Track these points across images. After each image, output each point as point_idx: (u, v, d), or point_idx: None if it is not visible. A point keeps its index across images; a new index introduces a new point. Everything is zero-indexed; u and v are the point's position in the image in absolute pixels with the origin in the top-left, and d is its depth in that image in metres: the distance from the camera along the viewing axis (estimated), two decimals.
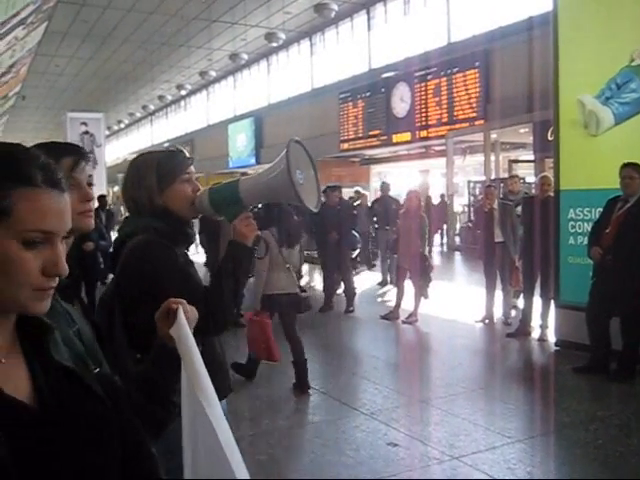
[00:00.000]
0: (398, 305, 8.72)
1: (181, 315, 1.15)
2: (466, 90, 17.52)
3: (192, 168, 2.26)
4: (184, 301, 1.25)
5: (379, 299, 10.57)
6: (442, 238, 19.75)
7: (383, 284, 11.72)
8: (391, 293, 9.47)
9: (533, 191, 7.60)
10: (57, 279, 0.94)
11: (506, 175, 16.50)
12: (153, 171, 2.19)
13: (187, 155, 2.29)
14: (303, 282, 11.55)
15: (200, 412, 1.04)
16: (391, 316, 8.68)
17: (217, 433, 1.01)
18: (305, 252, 11.39)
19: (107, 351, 1.31)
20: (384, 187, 12.71)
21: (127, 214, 2.33)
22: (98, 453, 0.98)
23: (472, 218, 14.95)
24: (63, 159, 1.53)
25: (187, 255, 2.29)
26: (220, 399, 2.22)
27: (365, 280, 12.12)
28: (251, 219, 2.17)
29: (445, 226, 19.44)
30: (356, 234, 10.26)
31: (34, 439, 0.91)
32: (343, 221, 9.45)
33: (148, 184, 2.18)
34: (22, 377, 0.95)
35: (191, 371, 1.07)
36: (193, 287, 2.12)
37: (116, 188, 40.61)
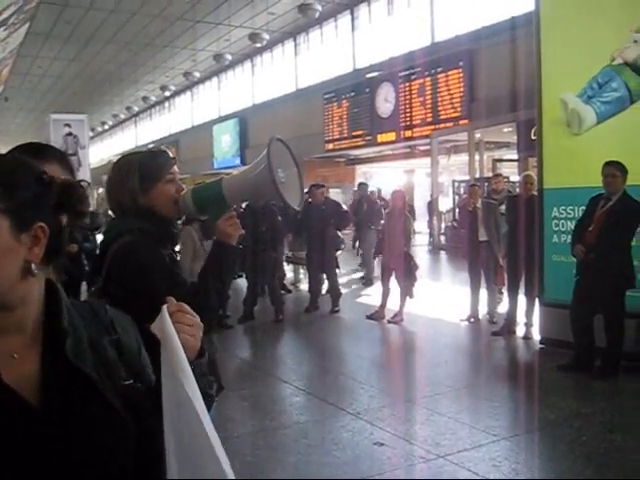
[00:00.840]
0: (383, 305, 8.73)
1: (164, 312, 1.15)
2: (450, 90, 17.59)
3: (175, 168, 2.26)
4: (182, 305, 1.24)
5: (364, 299, 10.57)
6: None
7: (367, 284, 11.73)
8: (376, 292, 9.49)
9: (517, 190, 7.61)
10: None
11: (490, 174, 16.60)
12: (135, 172, 2.19)
13: (170, 155, 2.30)
14: (288, 283, 11.57)
15: (185, 400, 1.04)
16: (377, 316, 8.69)
17: (198, 413, 1.03)
18: (290, 252, 11.44)
19: None
20: (362, 188, 12.72)
21: (112, 215, 2.34)
22: (96, 458, 0.99)
23: (457, 217, 15.01)
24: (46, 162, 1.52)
25: (173, 254, 2.30)
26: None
27: (350, 279, 12.14)
28: (235, 218, 2.17)
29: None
30: (340, 234, 10.25)
31: (29, 435, 0.93)
32: (327, 220, 9.44)
33: (131, 186, 2.18)
34: (32, 374, 0.98)
35: (173, 359, 1.08)
36: (179, 287, 2.10)
37: (100, 190, 40.39)
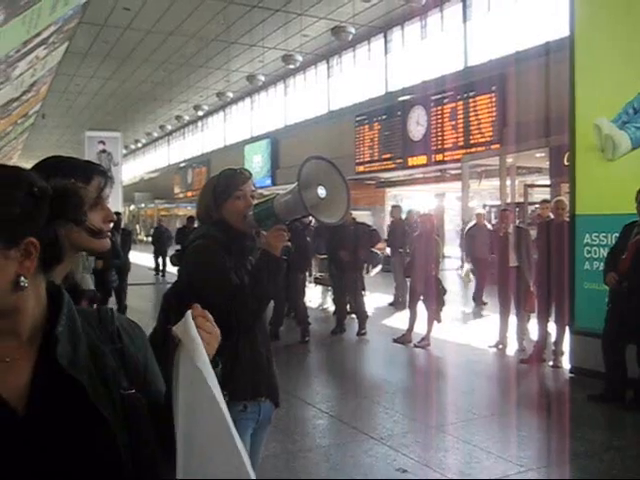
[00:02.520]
0: (411, 329, 8.64)
1: (189, 316, 1.17)
2: (482, 114, 17.51)
3: (249, 185, 2.52)
4: (206, 312, 1.25)
5: (391, 322, 10.48)
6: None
7: (397, 307, 11.64)
8: (404, 316, 9.41)
9: (550, 215, 7.52)
10: None
11: (522, 200, 16.43)
12: (211, 190, 2.53)
13: (245, 173, 2.54)
14: (315, 304, 11.54)
15: (208, 394, 1.06)
16: (403, 339, 8.60)
17: (218, 401, 1.05)
18: (318, 273, 11.42)
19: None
20: (394, 211, 12.67)
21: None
22: (80, 467, 0.98)
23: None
24: (94, 178, 1.52)
25: (244, 264, 2.50)
26: (258, 396, 2.45)
27: (378, 301, 12.05)
28: (283, 231, 2.35)
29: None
30: (377, 252, 10.22)
31: (11, 441, 0.93)
32: (358, 242, 9.41)
33: (206, 202, 2.54)
34: (21, 379, 0.98)
35: (195, 358, 1.10)
36: (227, 287, 2.33)
37: (132, 207, 40.88)
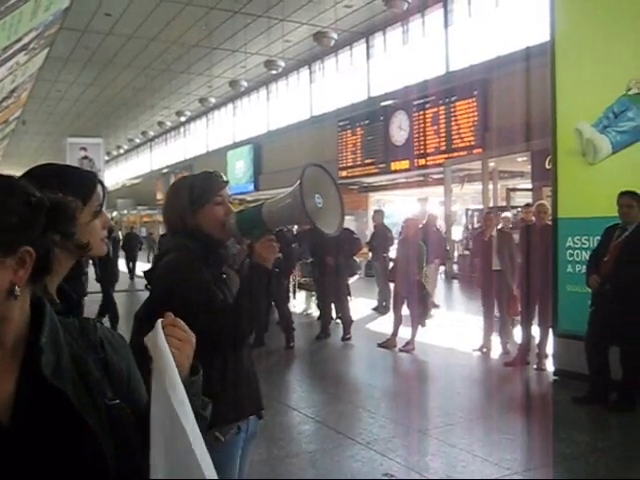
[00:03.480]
0: (395, 333, 8.65)
1: (158, 326, 1.16)
2: (464, 119, 17.61)
3: (227, 191, 2.32)
4: (177, 320, 1.24)
5: (376, 327, 10.49)
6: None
7: (381, 311, 11.65)
8: (388, 320, 9.42)
9: (533, 219, 7.57)
10: None
11: (504, 203, 16.53)
12: (186, 193, 2.26)
13: (222, 178, 2.34)
14: (299, 309, 11.53)
15: (171, 412, 1.05)
16: (388, 344, 8.60)
17: (185, 427, 1.03)
18: (302, 279, 11.41)
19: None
20: (377, 216, 12.68)
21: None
22: (67, 477, 0.98)
23: (470, 246, 14.92)
24: (97, 187, 1.54)
25: (221, 274, 2.32)
26: (245, 416, 2.25)
27: (362, 306, 12.05)
28: (273, 242, 2.19)
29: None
30: (356, 259, 10.23)
31: None
32: (341, 247, 9.41)
33: (180, 206, 2.26)
34: (6, 392, 0.97)
35: (163, 372, 1.08)
36: (213, 305, 2.14)
37: (114, 213, 40.68)
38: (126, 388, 1.13)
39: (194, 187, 2.26)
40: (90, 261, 9.44)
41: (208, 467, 1.04)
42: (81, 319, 1.16)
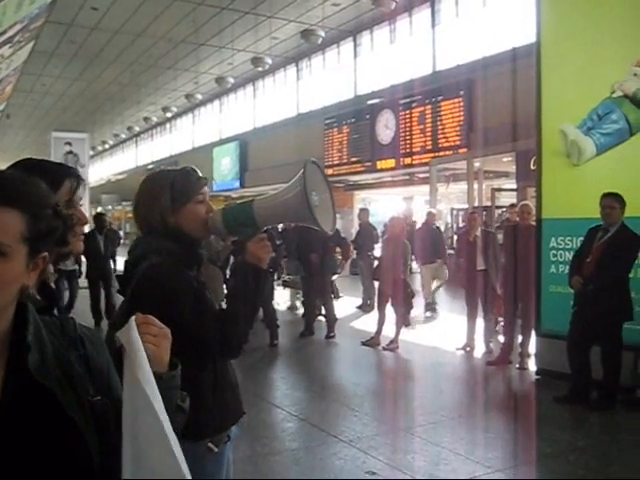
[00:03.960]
0: (379, 331, 8.67)
1: (132, 323, 1.16)
2: (450, 118, 17.66)
3: (206, 189, 2.21)
4: (149, 317, 1.23)
5: (360, 325, 10.51)
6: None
7: (365, 310, 11.67)
8: (372, 319, 9.44)
9: (517, 219, 7.62)
10: None
11: (489, 203, 16.61)
12: (167, 190, 2.11)
13: (201, 175, 2.22)
14: (284, 307, 11.53)
15: (145, 402, 1.04)
16: (372, 342, 8.63)
17: (160, 419, 1.03)
18: (287, 276, 11.41)
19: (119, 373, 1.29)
20: (362, 214, 12.69)
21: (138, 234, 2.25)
22: (55, 473, 0.98)
23: (454, 246, 14.98)
24: (65, 181, 1.52)
25: (198, 276, 2.20)
26: (233, 423, 2.21)
27: (346, 305, 12.07)
28: (266, 241, 2.11)
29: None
30: (336, 258, 10.23)
31: None
32: (327, 245, 9.42)
33: (162, 204, 2.11)
34: None
35: (138, 367, 1.08)
36: (206, 310, 2.06)
37: (99, 209, 40.49)
38: (107, 385, 1.14)
39: (175, 184, 2.12)
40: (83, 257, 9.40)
41: (184, 465, 1.03)
42: (61, 317, 1.17)
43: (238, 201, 2.24)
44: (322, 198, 2.06)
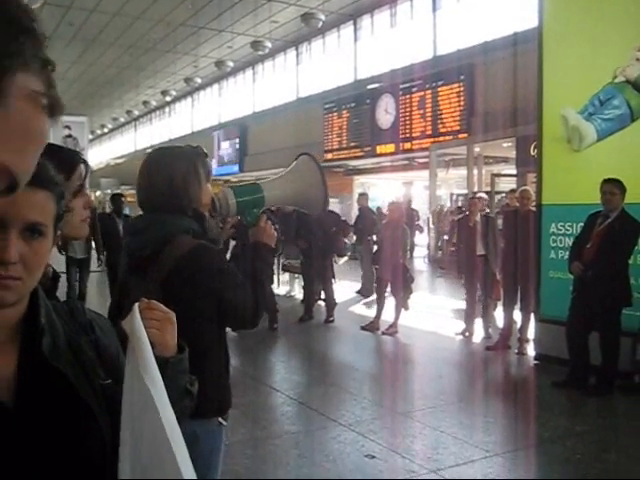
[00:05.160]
0: (378, 316, 8.69)
1: (135, 310, 1.15)
2: (450, 103, 17.61)
3: None
4: (152, 302, 1.23)
5: (359, 309, 10.53)
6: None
7: (364, 294, 11.68)
8: (371, 304, 9.46)
9: (517, 204, 7.62)
10: (11, 268, 0.94)
11: (489, 189, 16.59)
12: (203, 167, 2.13)
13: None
14: (283, 291, 11.54)
15: (146, 398, 1.02)
16: (371, 327, 8.64)
17: (159, 411, 1.01)
18: (286, 260, 11.41)
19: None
20: (362, 199, 12.67)
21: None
22: (71, 457, 0.99)
23: (455, 230, 14.96)
24: (78, 166, 1.56)
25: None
26: (222, 414, 2.21)
27: (346, 289, 12.09)
28: (270, 223, 2.20)
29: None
30: (346, 241, 10.24)
31: (2, 434, 0.93)
32: (327, 229, 9.41)
33: (200, 180, 2.11)
34: (7, 373, 0.97)
35: (140, 358, 1.06)
36: (239, 287, 2.12)
37: (98, 193, 40.42)
38: (116, 369, 1.14)
39: (205, 162, 2.15)
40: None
41: (185, 462, 1.00)
42: (69, 302, 1.17)
43: (239, 183, 2.34)
44: (314, 182, 2.21)
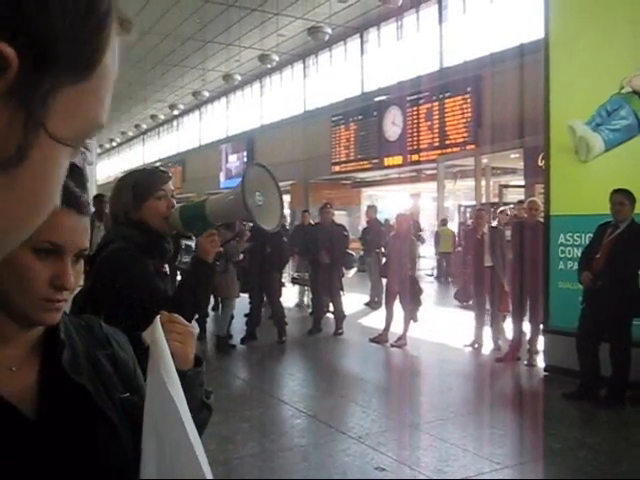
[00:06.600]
0: (387, 328, 8.68)
1: (157, 322, 1.18)
2: (457, 115, 17.63)
3: (170, 185, 2.44)
4: (174, 315, 1.26)
5: (368, 322, 10.51)
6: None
7: (373, 307, 11.67)
8: (380, 316, 9.44)
9: (525, 215, 7.61)
10: (65, 293, 0.99)
11: (496, 200, 16.58)
12: (130, 189, 2.37)
13: (165, 173, 2.48)
14: (292, 303, 11.54)
15: (169, 404, 1.05)
16: (380, 339, 8.63)
17: (182, 420, 1.04)
18: (295, 273, 11.42)
19: None
20: (370, 211, 12.68)
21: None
22: (93, 470, 1.00)
23: (462, 242, 14.95)
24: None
25: (162, 267, 2.45)
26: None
27: (354, 302, 12.08)
28: (215, 236, 2.32)
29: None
30: (352, 253, 10.25)
31: (25, 448, 0.94)
32: (335, 241, 9.43)
33: (125, 200, 2.38)
34: (29, 387, 0.99)
35: (163, 369, 1.09)
36: (155, 297, 2.24)
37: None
38: (134, 382, 1.15)
39: (138, 183, 2.38)
40: None
41: (207, 468, 1.04)
42: (85, 317, 1.19)
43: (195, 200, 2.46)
44: (269, 198, 2.24)
